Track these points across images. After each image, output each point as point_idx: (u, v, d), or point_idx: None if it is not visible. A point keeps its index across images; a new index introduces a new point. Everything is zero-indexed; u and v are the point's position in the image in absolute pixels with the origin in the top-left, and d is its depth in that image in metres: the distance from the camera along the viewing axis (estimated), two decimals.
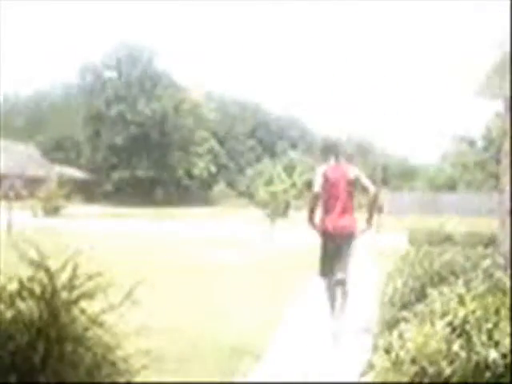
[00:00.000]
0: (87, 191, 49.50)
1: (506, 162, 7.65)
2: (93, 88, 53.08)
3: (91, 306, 3.01)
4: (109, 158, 51.94)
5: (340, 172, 5.96)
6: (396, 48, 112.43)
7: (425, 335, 2.88)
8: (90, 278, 2.97)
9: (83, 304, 2.97)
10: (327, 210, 5.92)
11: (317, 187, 5.88)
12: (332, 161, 6.04)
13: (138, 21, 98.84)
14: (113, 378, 2.92)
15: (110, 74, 54.70)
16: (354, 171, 6.00)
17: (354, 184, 5.98)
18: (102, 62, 54.48)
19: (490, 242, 9.30)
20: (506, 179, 7.61)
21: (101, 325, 2.96)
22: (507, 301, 3.18)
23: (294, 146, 71.69)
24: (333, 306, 5.80)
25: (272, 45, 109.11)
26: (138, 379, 3.05)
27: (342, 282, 5.71)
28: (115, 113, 50.92)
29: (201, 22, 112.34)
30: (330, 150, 6.15)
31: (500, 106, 8.07)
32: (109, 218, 28.39)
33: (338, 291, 5.76)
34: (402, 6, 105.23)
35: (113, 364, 2.96)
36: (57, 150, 55.64)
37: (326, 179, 5.87)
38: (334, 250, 5.82)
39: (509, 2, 5.26)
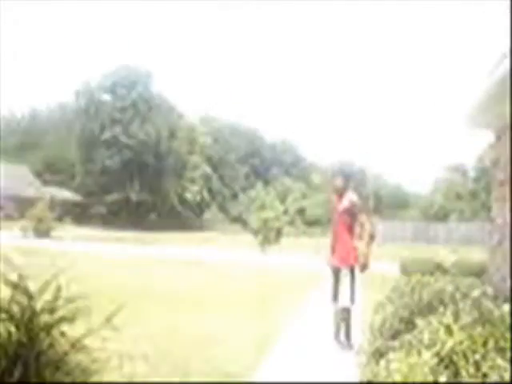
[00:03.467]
0: (79, 214, 49.34)
1: (496, 191, 7.66)
2: (88, 110, 53.14)
3: (72, 330, 2.94)
4: (102, 181, 51.77)
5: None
6: (391, 75, 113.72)
7: (411, 365, 2.82)
8: (71, 300, 2.91)
9: (64, 327, 2.90)
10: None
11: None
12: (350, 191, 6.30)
13: (134, 44, 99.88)
14: None
15: (106, 96, 54.86)
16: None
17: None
18: (97, 85, 54.65)
19: (481, 271, 9.27)
20: (496, 209, 7.61)
21: (81, 349, 2.89)
22: (495, 332, 3.13)
23: (287, 172, 71.98)
24: (337, 330, 6.16)
25: (266, 71, 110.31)
26: None
27: (343, 311, 6.05)
28: (109, 136, 50.93)
29: (197, 48, 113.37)
30: (348, 178, 6.41)
31: (492, 136, 8.10)
32: (100, 241, 28.20)
33: (343, 318, 6.09)
34: (392, 35, 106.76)
35: None
36: (50, 172, 55.52)
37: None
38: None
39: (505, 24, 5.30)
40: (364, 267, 6.08)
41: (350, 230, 6.12)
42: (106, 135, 51.00)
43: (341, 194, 6.25)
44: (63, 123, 60.12)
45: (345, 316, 6.06)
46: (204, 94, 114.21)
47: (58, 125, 61.56)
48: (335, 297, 6.16)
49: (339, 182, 6.24)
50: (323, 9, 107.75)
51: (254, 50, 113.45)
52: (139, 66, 55.37)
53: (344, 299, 6.00)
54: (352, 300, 6.03)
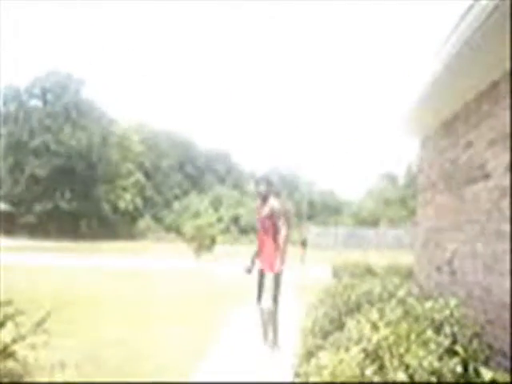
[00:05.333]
0: (7, 223, 47.56)
1: (421, 197, 8.00)
2: (16, 116, 51.41)
3: (0, 336, 2.87)
4: (31, 190, 50.11)
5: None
6: (324, 79, 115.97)
7: (339, 361, 2.93)
8: None
9: None
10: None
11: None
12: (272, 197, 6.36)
13: (66, 48, 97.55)
14: None
15: (35, 102, 53.28)
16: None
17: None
18: (26, 90, 53.04)
19: (408, 273, 9.62)
20: (420, 214, 7.95)
21: (10, 355, 2.83)
22: (418, 326, 3.30)
23: (221, 180, 72.02)
24: (265, 331, 6.20)
25: (200, 78, 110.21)
26: None
27: (265, 313, 6.06)
28: (39, 143, 49.45)
29: (130, 54, 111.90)
30: (271, 184, 6.43)
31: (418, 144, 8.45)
32: (28, 251, 27.32)
33: (268, 319, 6.11)
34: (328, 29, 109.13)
35: None
36: None
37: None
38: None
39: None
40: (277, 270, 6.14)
41: (274, 236, 6.20)
42: (36, 142, 49.50)
43: (264, 200, 6.35)
44: None
45: (267, 317, 6.09)
46: (137, 101, 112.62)
47: None
48: (258, 298, 6.25)
49: (261, 188, 6.32)
50: (255, 12, 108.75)
51: (189, 57, 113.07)
52: (70, 71, 54.16)
53: (267, 301, 6.02)
54: (275, 301, 6.08)
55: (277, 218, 6.19)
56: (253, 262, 6.46)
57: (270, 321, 6.14)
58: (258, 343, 6.33)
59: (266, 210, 6.26)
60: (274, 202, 6.24)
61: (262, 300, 6.14)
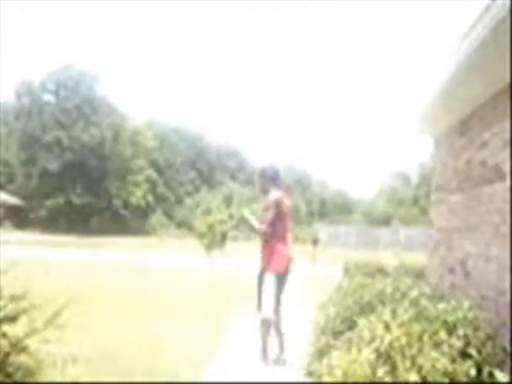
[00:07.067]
0: (19, 217, 47.94)
1: (434, 197, 7.95)
2: (30, 111, 51.76)
3: (14, 331, 2.88)
4: (43, 184, 50.46)
5: (288, 201, 5.80)
6: (339, 77, 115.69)
7: (351, 361, 2.92)
8: (13, 300, 2.86)
9: (4, 328, 2.83)
10: (285, 241, 5.67)
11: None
12: (274, 191, 5.73)
13: (80, 44, 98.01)
14: None
15: (49, 97, 53.59)
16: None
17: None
18: (40, 85, 53.36)
19: (420, 273, 9.57)
20: (434, 214, 7.89)
21: (23, 350, 2.84)
22: (431, 328, 3.27)
23: (232, 176, 72.05)
24: (263, 346, 5.51)
25: (213, 74, 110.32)
26: None
27: (264, 323, 5.41)
28: (51, 138, 49.77)
29: (143, 51, 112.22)
30: (275, 177, 5.83)
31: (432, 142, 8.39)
32: (40, 245, 27.50)
33: (266, 331, 5.44)
34: (340, 34, 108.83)
35: None
36: None
37: (281, 209, 5.62)
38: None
39: None
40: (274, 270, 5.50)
41: (272, 230, 5.56)
42: (48, 137, 49.82)
43: (264, 193, 5.85)
44: (2, 124, 58.20)
45: (265, 330, 5.42)
46: (148, 97, 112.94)
47: None
48: (259, 306, 5.53)
49: (260, 182, 5.83)
50: (268, 10, 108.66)
51: (200, 54, 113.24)
52: (84, 67, 54.42)
53: (266, 309, 5.37)
54: (275, 311, 5.40)
55: (266, 209, 5.65)
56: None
57: (269, 333, 5.44)
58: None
59: (264, 204, 5.76)
60: (271, 195, 5.68)
61: (261, 307, 5.46)
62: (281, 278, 5.45)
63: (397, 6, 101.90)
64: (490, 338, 3.51)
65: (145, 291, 11.31)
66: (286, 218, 5.69)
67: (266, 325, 5.39)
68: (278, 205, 5.57)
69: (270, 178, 5.81)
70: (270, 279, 5.42)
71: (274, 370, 5.38)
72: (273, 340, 5.53)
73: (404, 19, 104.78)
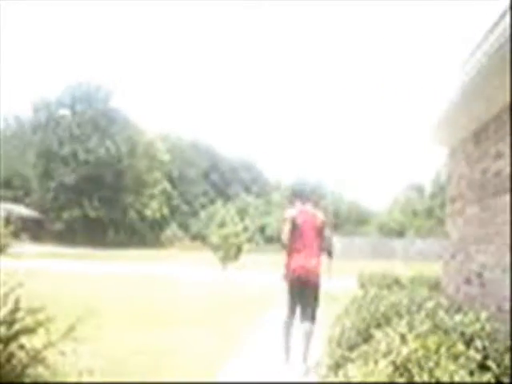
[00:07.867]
0: (36, 230, 48.26)
1: (449, 208, 7.89)
2: (47, 125, 52.37)
3: (32, 342, 2.91)
4: (59, 197, 50.91)
5: (308, 217, 6.13)
6: (351, 88, 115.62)
7: (367, 374, 2.90)
8: (30, 312, 2.88)
9: (23, 340, 2.86)
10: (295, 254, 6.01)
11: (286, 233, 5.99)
12: (298, 205, 6.21)
13: (95, 58, 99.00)
14: None
15: (65, 111, 54.17)
16: (321, 217, 6.20)
17: (321, 230, 6.14)
18: (56, 100, 53.98)
19: (436, 285, 9.49)
20: (449, 224, 7.84)
21: (41, 362, 2.86)
22: (448, 340, 3.24)
23: (247, 189, 72.04)
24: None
25: (226, 88, 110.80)
26: None
27: (309, 332, 5.85)
28: (68, 151, 50.28)
29: (156, 66, 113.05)
30: (299, 193, 6.35)
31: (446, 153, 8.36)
32: (57, 257, 27.67)
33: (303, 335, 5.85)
34: (354, 47, 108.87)
35: None
36: (5, 187, 54.20)
37: (295, 224, 5.99)
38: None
39: None
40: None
41: (291, 242, 6.01)
42: (65, 151, 50.32)
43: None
44: (20, 138, 58.88)
45: (282, 330, 6.02)
46: (162, 110, 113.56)
47: (15, 139, 60.14)
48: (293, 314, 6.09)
49: (288, 197, 6.41)
50: (278, 18, 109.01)
51: (212, 67, 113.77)
52: (99, 82, 55.00)
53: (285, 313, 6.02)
54: (287, 316, 6.02)
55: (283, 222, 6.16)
56: None
57: (287, 334, 5.99)
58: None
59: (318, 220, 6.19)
60: (286, 211, 6.23)
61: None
62: (292, 287, 5.96)
63: (414, 10, 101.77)
64: (508, 350, 3.47)
65: (159, 303, 11.33)
66: (304, 232, 6.02)
67: (283, 326, 5.99)
68: (289, 221, 5.99)
69: (295, 194, 6.40)
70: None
71: (287, 379, 5.40)
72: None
73: (421, 26, 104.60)
